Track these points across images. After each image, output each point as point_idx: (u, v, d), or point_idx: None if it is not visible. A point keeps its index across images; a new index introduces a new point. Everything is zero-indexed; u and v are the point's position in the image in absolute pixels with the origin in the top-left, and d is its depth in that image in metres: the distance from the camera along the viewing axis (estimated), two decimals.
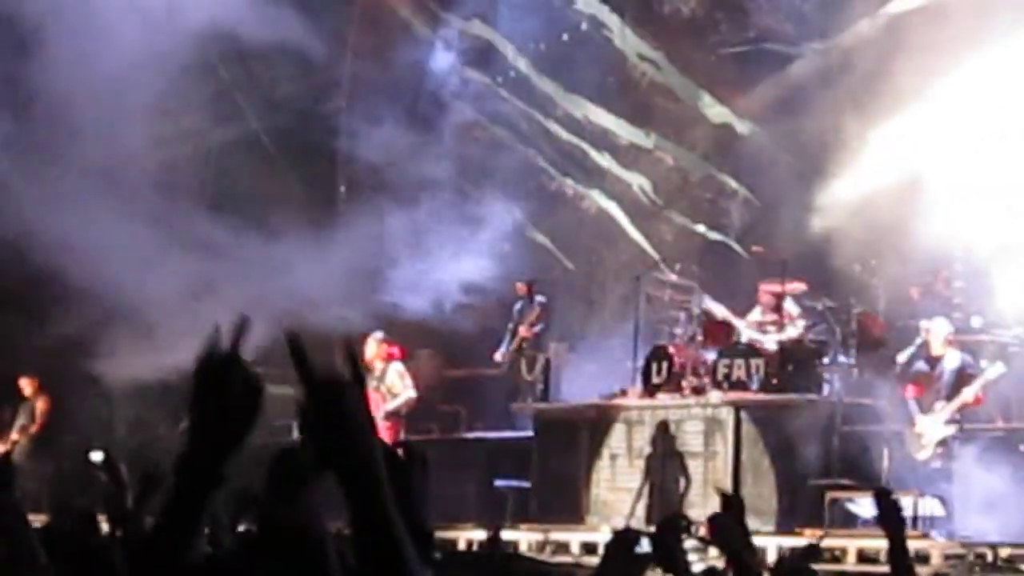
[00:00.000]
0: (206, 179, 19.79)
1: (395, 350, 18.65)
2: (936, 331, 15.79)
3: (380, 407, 18.11)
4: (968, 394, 15.37)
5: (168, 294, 17.57)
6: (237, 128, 21.56)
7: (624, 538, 5.82)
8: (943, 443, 15.33)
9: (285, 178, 21.98)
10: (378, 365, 18.44)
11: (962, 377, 15.54)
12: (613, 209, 22.37)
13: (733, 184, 21.46)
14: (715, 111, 21.54)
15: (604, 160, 22.49)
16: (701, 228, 21.49)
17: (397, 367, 18.49)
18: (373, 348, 18.42)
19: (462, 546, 16.23)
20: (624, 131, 22.36)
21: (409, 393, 18.36)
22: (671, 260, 19.88)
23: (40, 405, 20.31)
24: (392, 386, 18.32)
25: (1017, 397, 16.49)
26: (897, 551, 5.71)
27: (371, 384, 18.37)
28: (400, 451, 3.88)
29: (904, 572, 5.74)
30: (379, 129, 21.62)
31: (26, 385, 20.35)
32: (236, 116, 21.85)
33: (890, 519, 5.69)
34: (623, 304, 19.97)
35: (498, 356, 20.04)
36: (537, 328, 19.92)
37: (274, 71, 21.57)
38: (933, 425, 15.40)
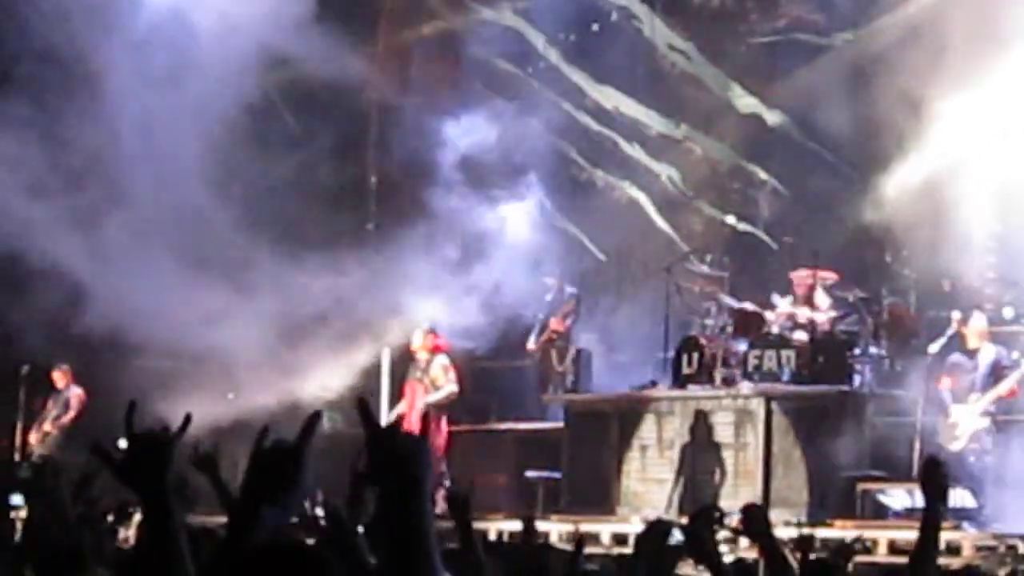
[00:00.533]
0: (264, 216, 19.77)
1: (441, 342, 18.58)
2: (973, 325, 15.76)
3: (421, 397, 18.12)
4: (1004, 387, 15.34)
5: (249, 338, 17.84)
6: (287, 154, 21.51)
7: (656, 529, 5.82)
8: (977, 434, 15.27)
9: (331, 198, 21.91)
10: (423, 356, 18.41)
11: (998, 370, 15.51)
12: (643, 200, 22.32)
13: (762, 175, 21.40)
14: (744, 102, 21.48)
15: (634, 151, 22.44)
16: (730, 219, 21.43)
17: (442, 360, 18.41)
18: (419, 339, 18.42)
19: (492, 537, 16.23)
20: (654, 122, 22.32)
21: (451, 388, 18.33)
22: (701, 251, 19.84)
23: (74, 397, 20.07)
24: (436, 379, 18.27)
25: None
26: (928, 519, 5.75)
27: (414, 375, 18.37)
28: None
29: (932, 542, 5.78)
30: (418, 127, 21.52)
31: (59, 378, 20.14)
32: (287, 142, 21.80)
33: (933, 482, 5.75)
34: (654, 295, 19.93)
35: (530, 346, 20.01)
36: (569, 321, 19.91)
37: (316, 88, 21.48)
38: (968, 416, 15.35)
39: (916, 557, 5.84)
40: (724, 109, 21.71)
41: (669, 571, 5.91)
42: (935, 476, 5.82)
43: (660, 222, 22.09)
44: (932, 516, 5.77)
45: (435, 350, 18.44)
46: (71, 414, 20.00)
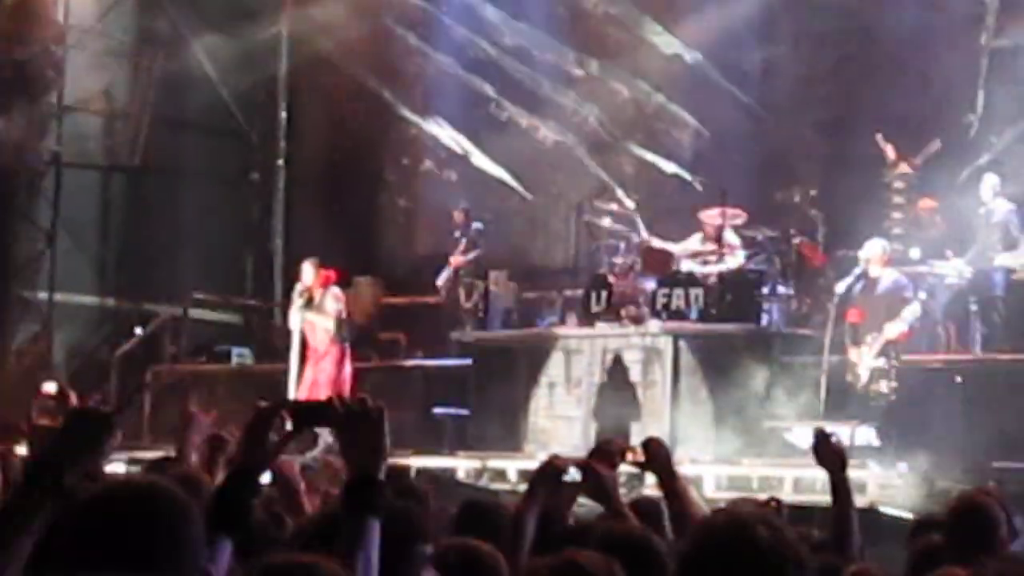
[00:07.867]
0: None
1: (331, 273, 18.18)
2: (871, 250, 15.61)
3: (319, 334, 17.82)
4: (893, 332, 15.16)
5: None
6: None
7: (551, 466, 5.68)
8: (876, 374, 15.19)
9: None
10: (317, 293, 17.99)
11: (898, 299, 15.37)
12: (570, 140, 22.14)
13: (684, 115, 21.36)
14: (665, 41, 21.39)
15: (558, 92, 22.26)
16: (654, 158, 21.39)
17: (334, 291, 18.06)
18: (310, 274, 17.98)
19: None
20: (577, 62, 22.17)
21: (338, 307, 17.87)
22: (630, 191, 19.85)
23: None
24: (328, 311, 17.91)
25: (957, 328, 16.55)
26: (838, 489, 5.74)
27: (310, 314, 17.96)
28: None
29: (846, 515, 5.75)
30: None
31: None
32: None
33: (827, 458, 5.76)
34: (567, 234, 19.88)
35: (438, 283, 19.82)
36: (470, 256, 19.59)
37: None
38: (865, 356, 15.26)
39: (836, 532, 5.83)
40: (646, 49, 21.59)
41: (565, 509, 5.80)
42: (826, 449, 5.80)
43: (589, 163, 21.91)
44: (840, 489, 5.74)
45: (326, 282, 18.00)
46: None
